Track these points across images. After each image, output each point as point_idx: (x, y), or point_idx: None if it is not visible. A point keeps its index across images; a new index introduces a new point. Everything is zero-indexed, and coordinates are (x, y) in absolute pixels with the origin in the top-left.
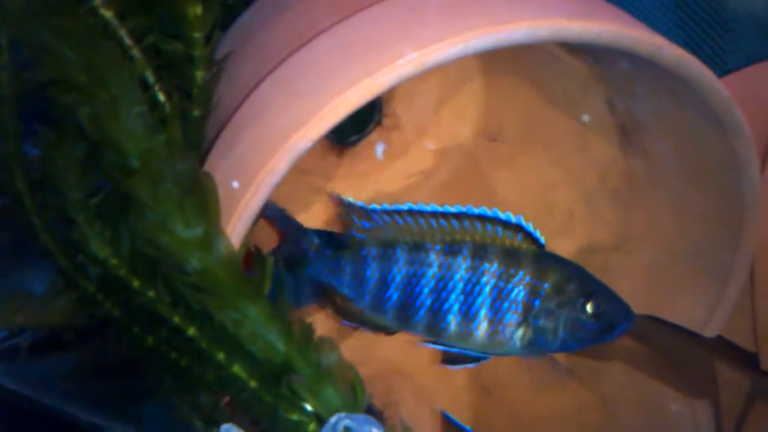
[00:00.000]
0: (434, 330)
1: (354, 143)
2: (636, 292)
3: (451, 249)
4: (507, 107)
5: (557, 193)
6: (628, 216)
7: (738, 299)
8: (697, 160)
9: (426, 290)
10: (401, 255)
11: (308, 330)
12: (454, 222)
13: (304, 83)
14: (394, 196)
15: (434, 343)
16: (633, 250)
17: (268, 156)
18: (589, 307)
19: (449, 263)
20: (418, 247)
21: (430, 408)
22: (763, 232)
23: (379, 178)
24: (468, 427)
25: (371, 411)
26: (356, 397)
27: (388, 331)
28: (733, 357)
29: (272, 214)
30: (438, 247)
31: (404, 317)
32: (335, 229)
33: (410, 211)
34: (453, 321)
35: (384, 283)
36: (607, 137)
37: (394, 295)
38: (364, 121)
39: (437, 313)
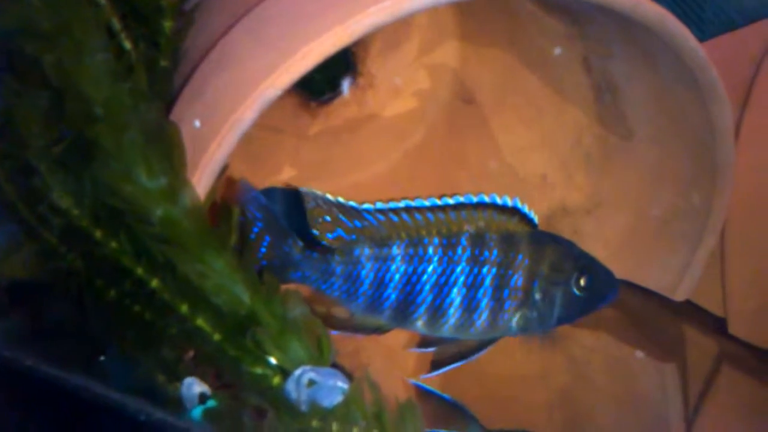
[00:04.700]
0: (434, 325)
1: (327, 102)
2: (607, 256)
3: (450, 242)
4: (483, 69)
5: (531, 155)
6: (601, 180)
7: (707, 264)
8: (671, 124)
9: (427, 287)
10: (398, 253)
11: (274, 283)
12: (452, 213)
13: (274, 31)
14: (367, 156)
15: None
16: (605, 214)
17: (236, 105)
18: (581, 282)
19: (449, 257)
20: (415, 244)
21: (399, 370)
22: (735, 198)
23: (352, 138)
24: (446, 395)
25: (339, 370)
26: (322, 350)
27: (382, 331)
28: (701, 321)
29: (254, 212)
30: (436, 240)
31: (402, 316)
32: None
33: (406, 208)
34: (454, 314)
35: (381, 283)
36: (583, 100)
37: (392, 294)
38: (338, 79)
39: (438, 308)
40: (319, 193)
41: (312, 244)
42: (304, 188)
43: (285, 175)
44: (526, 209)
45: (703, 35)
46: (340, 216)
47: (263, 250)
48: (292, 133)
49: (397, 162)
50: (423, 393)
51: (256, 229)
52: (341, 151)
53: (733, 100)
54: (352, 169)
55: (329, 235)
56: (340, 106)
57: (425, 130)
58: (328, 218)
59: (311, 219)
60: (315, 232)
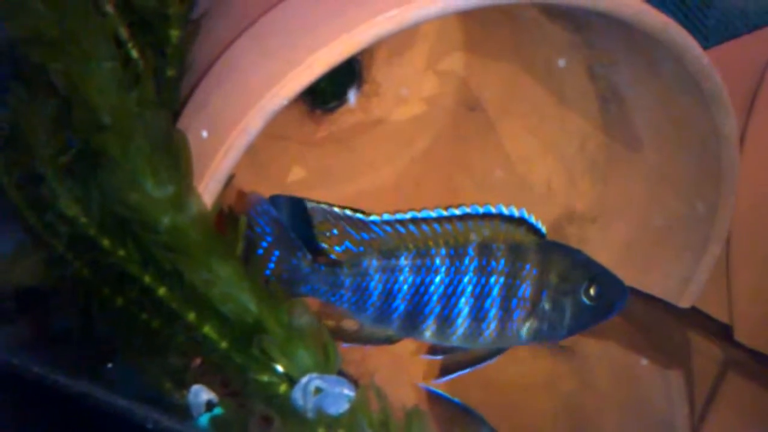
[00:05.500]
0: (442, 335)
1: (333, 109)
2: (612, 263)
3: (457, 252)
4: (488, 77)
5: (536, 163)
6: (606, 187)
7: (712, 271)
8: (675, 131)
9: (435, 297)
10: (406, 264)
11: (280, 291)
12: (458, 224)
13: (280, 40)
14: (372, 163)
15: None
16: (610, 221)
17: (242, 114)
18: (591, 292)
19: (456, 267)
20: (422, 255)
21: (406, 377)
22: (740, 205)
23: (357, 145)
24: (456, 399)
25: (345, 378)
26: (328, 358)
27: (391, 341)
28: (706, 327)
29: (264, 226)
30: (443, 251)
31: (411, 326)
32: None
33: (413, 219)
34: (462, 324)
35: (389, 294)
36: (587, 108)
37: (400, 306)
38: (343, 87)
39: (447, 318)
40: (325, 206)
41: (318, 254)
42: (311, 203)
43: (290, 182)
44: (533, 219)
45: (706, 43)
46: (348, 229)
47: (272, 265)
48: (296, 140)
49: (403, 169)
50: (433, 397)
51: (265, 244)
52: (346, 158)
53: (737, 108)
54: (357, 176)
55: (337, 248)
56: (346, 114)
57: (430, 137)
58: (335, 231)
59: (319, 234)
60: (323, 245)
